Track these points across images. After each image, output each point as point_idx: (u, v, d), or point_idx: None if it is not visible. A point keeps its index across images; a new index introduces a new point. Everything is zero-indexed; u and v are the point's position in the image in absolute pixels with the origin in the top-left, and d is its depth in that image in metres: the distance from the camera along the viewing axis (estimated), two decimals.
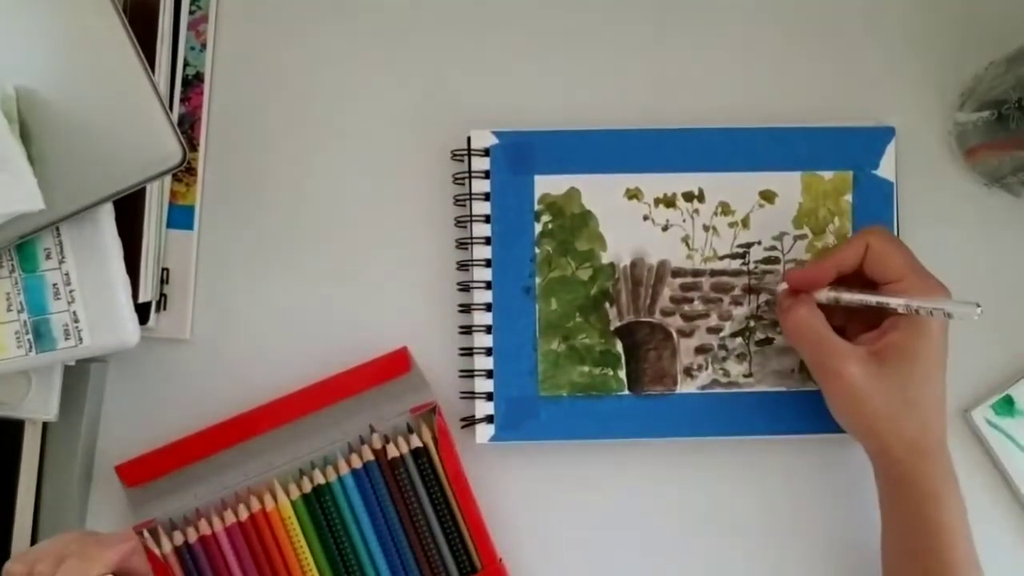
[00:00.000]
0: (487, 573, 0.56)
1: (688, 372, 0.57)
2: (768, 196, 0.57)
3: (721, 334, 0.57)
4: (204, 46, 0.60)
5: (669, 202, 0.57)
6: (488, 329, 0.56)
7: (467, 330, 0.57)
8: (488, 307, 0.56)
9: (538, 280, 0.57)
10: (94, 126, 0.50)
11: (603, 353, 0.57)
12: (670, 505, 0.59)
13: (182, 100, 0.59)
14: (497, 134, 0.57)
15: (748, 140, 0.57)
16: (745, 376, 0.57)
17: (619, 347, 0.57)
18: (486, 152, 0.57)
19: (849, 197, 0.57)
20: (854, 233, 0.56)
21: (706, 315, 0.57)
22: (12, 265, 0.52)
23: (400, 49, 0.60)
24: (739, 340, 0.57)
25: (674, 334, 0.57)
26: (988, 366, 0.59)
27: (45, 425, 0.57)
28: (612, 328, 0.57)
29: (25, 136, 0.50)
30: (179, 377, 0.59)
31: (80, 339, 0.52)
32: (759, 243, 0.57)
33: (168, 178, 0.58)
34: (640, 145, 0.57)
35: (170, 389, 0.59)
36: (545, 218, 0.57)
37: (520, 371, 0.56)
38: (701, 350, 0.57)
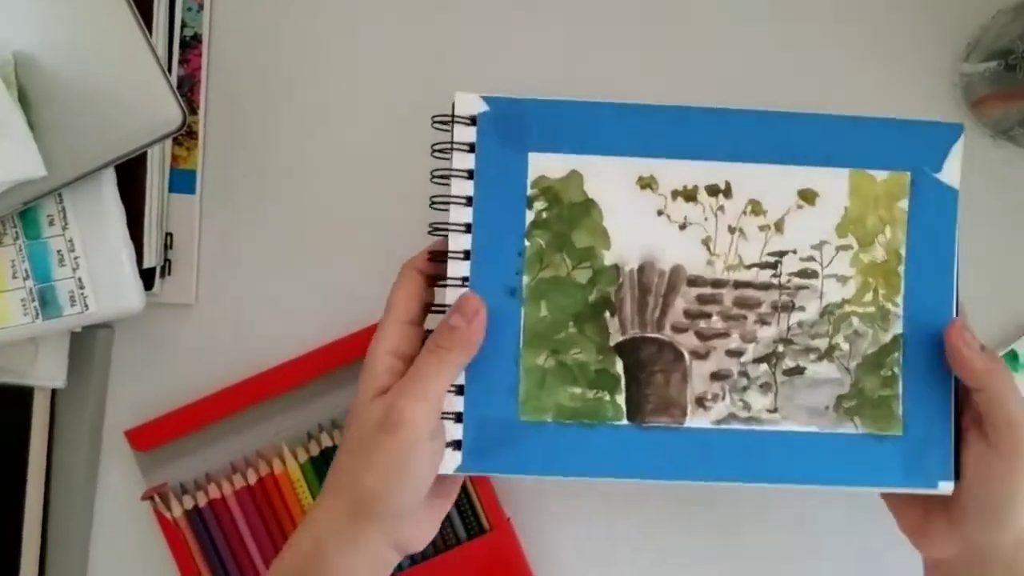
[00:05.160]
0: (495, 534, 0.56)
1: (700, 402, 0.47)
2: (808, 196, 0.47)
3: (743, 359, 0.47)
4: (201, 7, 0.59)
5: (689, 195, 0.47)
6: None
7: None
8: None
9: (526, 280, 0.47)
10: (93, 91, 0.49)
11: (599, 373, 0.47)
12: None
13: (181, 62, 0.58)
14: (487, 100, 0.47)
15: (788, 127, 0.47)
16: (769, 411, 0.47)
17: (619, 366, 0.47)
18: (473, 121, 0.47)
19: (904, 204, 0.47)
20: None
21: (726, 335, 0.47)
22: (16, 232, 0.52)
23: (402, 7, 0.59)
24: (764, 367, 0.47)
25: (686, 355, 0.47)
26: (992, 321, 0.58)
27: (54, 392, 0.57)
28: (612, 343, 0.47)
29: (24, 102, 0.49)
30: (185, 342, 0.59)
31: (86, 305, 0.52)
32: (794, 252, 0.47)
33: (169, 142, 0.57)
34: (658, 124, 0.47)
35: (176, 354, 0.59)
36: (539, 205, 0.47)
37: (498, 389, 0.46)
38: (718, 376, 0.47)
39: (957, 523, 0.47)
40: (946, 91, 0.58)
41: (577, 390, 0.47)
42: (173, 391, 0.58)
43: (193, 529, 0.57)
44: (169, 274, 0.58)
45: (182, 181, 0.58)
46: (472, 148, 0.47)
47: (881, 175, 0.47)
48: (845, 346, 0.47)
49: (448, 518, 0.56)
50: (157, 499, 0.56)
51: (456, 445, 0.46)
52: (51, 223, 0.52)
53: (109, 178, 0.52)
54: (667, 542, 0.58)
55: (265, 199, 0.59)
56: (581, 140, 0.47)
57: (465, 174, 0.47)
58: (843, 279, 0.47)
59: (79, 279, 0.52)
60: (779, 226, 0.47)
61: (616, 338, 0.47)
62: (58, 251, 0.52)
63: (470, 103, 0.47)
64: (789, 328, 0.47)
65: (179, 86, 0.58)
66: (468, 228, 0.47)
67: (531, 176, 0.47)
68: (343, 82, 0.59)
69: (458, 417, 0.46)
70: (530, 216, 0.47)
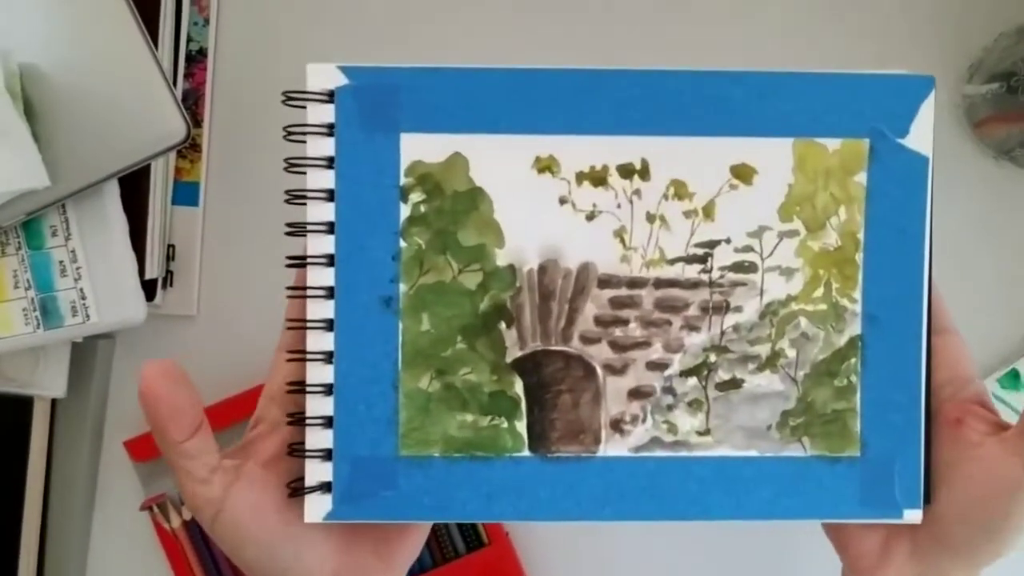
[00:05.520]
0: (494, 548, 0.57)
1: (617, 426, 0.39)
2: (743, 173, 0.39)
3: (667, 372, 0.39)
4: (207, 21, 0.60)
5: (598, 178, 0.39)
6: (328, 357, 0.39)
7: (299, 358, 0.39)
8: (329, 325, 0.39)
9: (403, 287, 0.39)
10: (98, 103, 0.50)
11: (494, 395, 0.39)
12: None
13: (186, 76, 0.59)
14: (347, 71, 0.38)
15: (717, 90, 0.39)
16: (700, 434, 0.39)
17: (518, 387, 0.39)
18: (330, 97, 0.38)
19: (862, 178, 0.39)
20: None
21: (646, 344, 0.39)
22: (19, 242, 0.53)
23: (406, 22, 0.60)
24: (693, 381, 0.39)
25: (599, 370, 0.39)
26: (994, 339, 0.59)
27: (54, 402, 0.58)
28: (509, 360, 0.39)
29: (29, 113, 0.50)
30: (186, 353, 0.59)
31: (87, 316, 0.53)
32: (728, 242, 0.39)
33: (173, 155, 0.58)
34: (557, 93, 0.38)
35: None
36: (415, 197, 0.39)
37: (373, 420, 0.39)
38: (637, 394, 0.39)
39: (924, 553, 0.39)
40: (948, 112, 0.59)
41: (468, 417, 0.39)
42: None
43: (191, 540, 0.57)
44: (171, 285, 0.60)
45: (185, 193, 0.59)
46: (331, 131, 0.38)
47: (833, 144, 0.39)
48: (791, 352, 0.40)
49: (447, 532, 0.57)
50: (156, 510, 0.57)
51: (326, 488, 0.39)
52: (54, 234, 0.53)
53: (112, 189, 0.53)
54: (667, 557, 0.58)
55: (267, 212, 0.57)
56: (464, 116, 0.38)
57: (324, 162, 0.39)
58: (788, 272, 0.39)
59: (81, 290, 0.53)
60: (708, 211, 0.39)
61: (514, 353, 0.39)
62: (60, 261, 0.53)
63: (325, 75, 0.38)
64: (723, 333, 0.39)
65: (184, 99, 0.59)
66: (331, 228, 0.39)
67: (405, 162, 0.39)
68: None
69: (327, 455, 0.39)
70: (405, 211, 0.39)
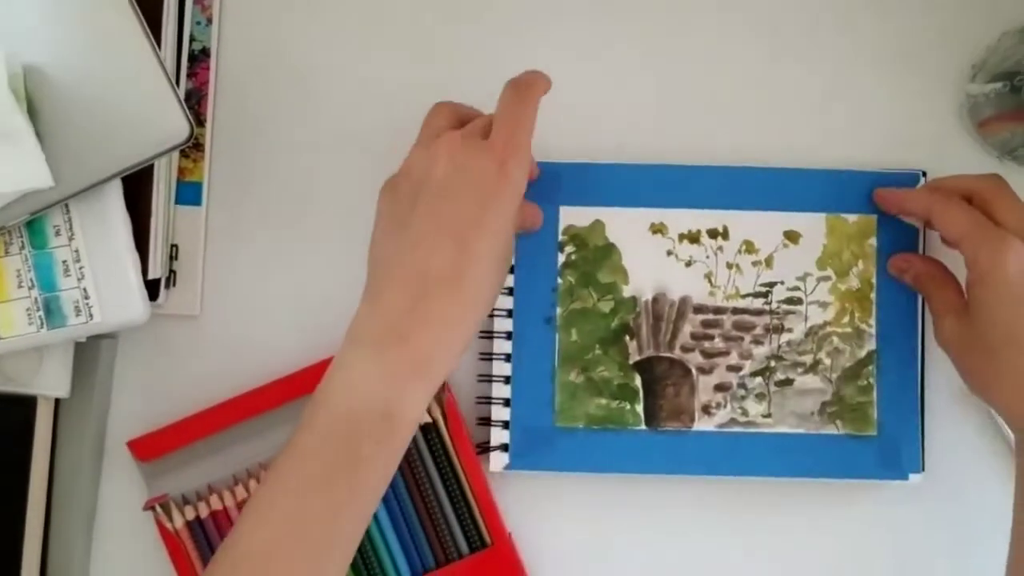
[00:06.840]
0: (496, 548, 0.56)
1: (706, 409, 0.56)
2: (792, 236, 0.57)
3: (741, 373, 0.57)
4: (210, 21, 0.59)
5: (693, 238, 0.57)
6: (507, 357, 0.56)
7: (487, 357, 0.57)
8: (508, 335, 0.56)
9: (559, 311, 0.57)
10: (101, 103, 0.50)
11: (621, 386, 0.56)
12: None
13: (189, 75, 0.58)
14: None
15: (774, 180, 0.57)
16: (764, 416, 0.56)
17: (637, 381, 0.56)
18: None
19: (873, 241, 0.57)
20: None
21: (726, 353, 0.57)
22: (22, 242, 0.52)
23: (410, 23, 0.60)
24: (759, 380, 0.57)
25: (693, 371, 0.57)
26: None
27: (57, 402, 0.57)
28: (631, 362, 0.56)
29: (33, 113, 0.50)
30: (189, 353, 0.59)
31: (91, 316, 0.52)
32: (782, 283, 0.57)
33: (176, 154, 0.57)
34: (666, 180, 0.57)
35: (180, 365, 0.59)
36: (569, 249, 0.57)
37: (537, 401, 0.56)
38: (720, 388, 0.56)
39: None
40: (952, 112, 0.59)
41: (603, 401, 0.56)
42: (176, 402, 0.58)
43: (195, 540, 0.56)
44: (174, 285, 0.58)
45: (188, 193, 0.58)
46: None
47: (852, 217, 0.57)
48: (827, 361, 0.57)
49: (450, 532, 0.56)
50: (159, 509, 0.56)
51: (504, 448, 0.56)
52: (57, 233, 0.52)
53: (116, 189, 0.53)
54: (667, 559, 0.58)
55: (270, 211, 0.59)
56: (603, 195, 0.57)
57: None
58: (824, 305, 0.57)
59: (84, 289, 0.52)
60: (769, 262, 0.57)
61: (635, 357, 0.57)
62: (64, 261, 0.52)
63: None
64: (779, 347, 0.57)
65: (187, 99, 0.58)
66: (511, 269, 0.57)
67: (562, 225, 0.57)
68: (350, 97, 0.60)
69: (505, 424, 0.56)
70: (561, 258, 0.57)
